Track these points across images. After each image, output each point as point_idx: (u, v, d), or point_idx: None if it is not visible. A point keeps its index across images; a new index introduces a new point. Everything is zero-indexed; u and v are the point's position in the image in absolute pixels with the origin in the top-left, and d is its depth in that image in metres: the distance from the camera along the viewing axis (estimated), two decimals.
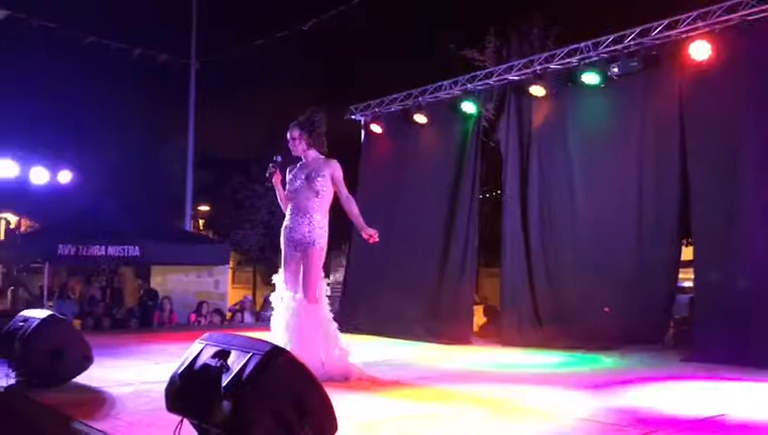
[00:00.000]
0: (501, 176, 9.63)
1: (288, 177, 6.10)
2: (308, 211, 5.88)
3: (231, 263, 16.57)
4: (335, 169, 5.98)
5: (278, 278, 5.99)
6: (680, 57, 7.82)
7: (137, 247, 12.35)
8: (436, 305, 9.46)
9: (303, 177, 5.96)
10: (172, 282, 14.25)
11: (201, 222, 28.25)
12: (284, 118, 6.29)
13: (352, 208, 6.01)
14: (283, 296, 5.86)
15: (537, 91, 9.12)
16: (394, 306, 9.71)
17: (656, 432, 3.94)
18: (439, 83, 10.38)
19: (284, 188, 6.10)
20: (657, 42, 8.08)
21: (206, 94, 18.51)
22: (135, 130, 24.43)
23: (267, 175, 6.04)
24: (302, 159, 6.10)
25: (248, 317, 13.96)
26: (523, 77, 9.35)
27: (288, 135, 6.07)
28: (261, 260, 26.13)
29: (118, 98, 22.63)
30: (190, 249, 13.60)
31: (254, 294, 23.11)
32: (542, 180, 9.09)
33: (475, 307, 10.22)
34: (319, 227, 5.87)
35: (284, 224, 6.02)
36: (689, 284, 11.85)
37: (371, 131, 11.35)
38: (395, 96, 11.00)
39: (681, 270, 8.49)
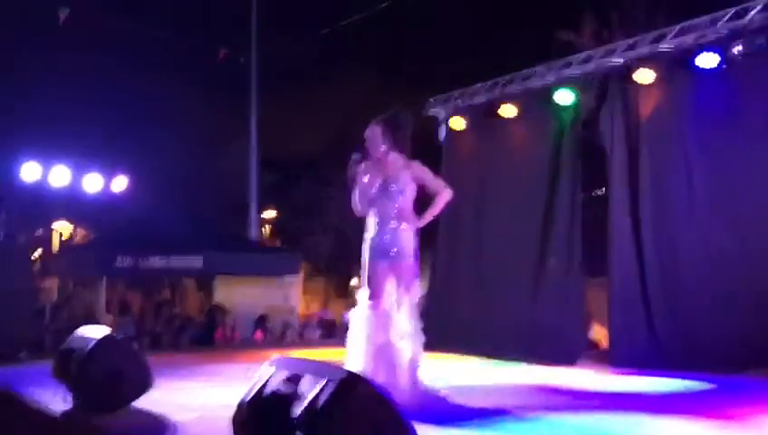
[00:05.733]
0: (607, 174, 9.34)
1: (363, 178, 6.02)
2: (390, 219, 5.86)
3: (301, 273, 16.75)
4: (416, 168, 5.96)
5: (362, 294, 5.95)
6: None
7: (200, 258, 12.59)
8: (534, 321, 9.26)
9: (380, 182, 5.91)
10: (237, 295, 14.47)
11: (268, 228, 28.76)
12: (354, 114, 6.27)
13: (437, 203, 6.09)
14: (366, 310, 5.82)
15: (644, 76, 8.84)
16: (484, 322, 9.62)
17: None
18: (530, 70, 10.19)
19: None
20: None
21: (269, 91, 18.82)
22: (194, 133, 25.05)
23: (350, 174, 5.99)
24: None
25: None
26: (627, 60, 9.08)
27: (368, 133, 6.00)
28: (333, 270, 26.37)
29: (175, 99, 23.25)
30: (257, 258, 13.83)
31: (325, 307, 23.35)
32: (656, 178, 8.74)
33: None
34: (403, 235, 5.85)
35: (367, 235, 5.98)
36: None
37: (453, 128, 11.22)
38: (479, 86, 10.82)
39: None
